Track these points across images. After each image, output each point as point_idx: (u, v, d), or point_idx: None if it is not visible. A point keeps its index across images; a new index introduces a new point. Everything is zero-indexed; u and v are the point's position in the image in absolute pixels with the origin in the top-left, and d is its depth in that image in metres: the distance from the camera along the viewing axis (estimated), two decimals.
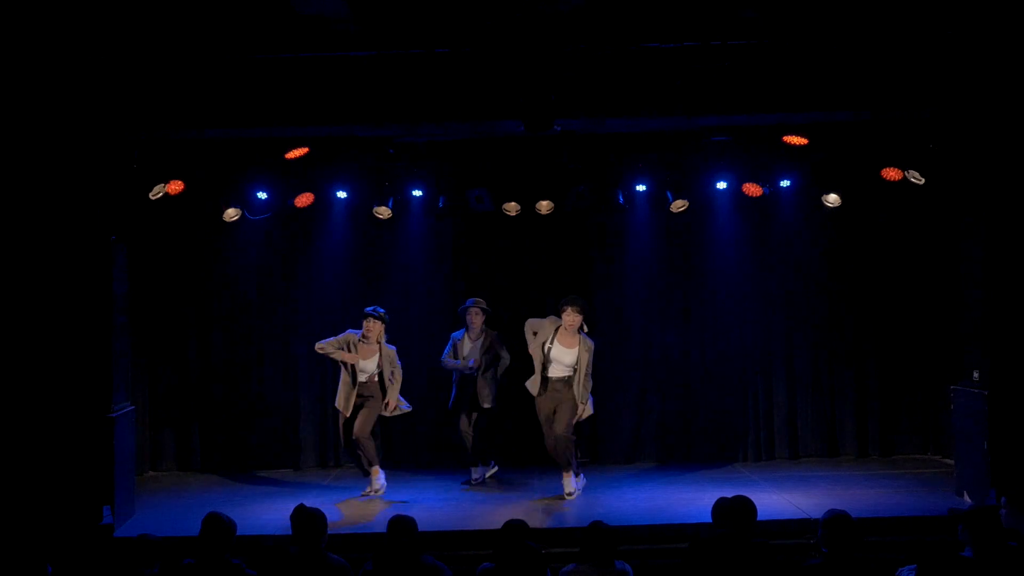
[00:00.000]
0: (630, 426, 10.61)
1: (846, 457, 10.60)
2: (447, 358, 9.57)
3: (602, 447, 10.51)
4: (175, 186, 8.88)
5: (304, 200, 9.67)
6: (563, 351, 8.79)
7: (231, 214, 9.45)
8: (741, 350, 10.69)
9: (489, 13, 7.28)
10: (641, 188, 9.85)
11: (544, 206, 9.79)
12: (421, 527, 5.54)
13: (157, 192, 8.73)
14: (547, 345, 8.83)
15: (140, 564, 5.34)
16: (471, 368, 9.40)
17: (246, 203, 9.52)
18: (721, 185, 9.70)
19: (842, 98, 8.03)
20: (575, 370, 8.78)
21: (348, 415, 8.99)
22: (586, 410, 8.84)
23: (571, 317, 8.75)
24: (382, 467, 9.11)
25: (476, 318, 9.46)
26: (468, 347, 9.52)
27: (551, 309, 9.21)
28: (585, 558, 5.46)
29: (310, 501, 5.69)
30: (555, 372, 8.83)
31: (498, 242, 10.61)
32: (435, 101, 8.02)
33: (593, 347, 8.83)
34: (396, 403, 9.07)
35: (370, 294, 10.59)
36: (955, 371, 9.01)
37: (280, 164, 9.25)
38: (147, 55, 7.67)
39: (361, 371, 9.04)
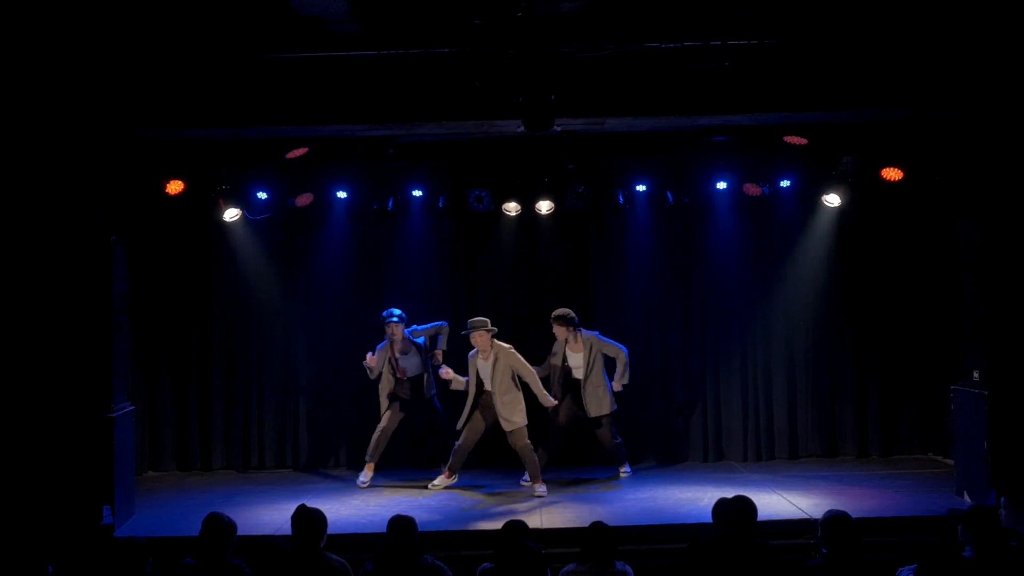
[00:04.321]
0: (630, 426, 10.60)
1: (846, 457, 10.60)
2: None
3: (602, 447, 10.48)
4: (175, 186, 8.88)
5: (304, 200, 9.68)
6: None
7: (231, 214, 9.45)
8: (741, 350, 10.69)
9: (489, 13, 7.28)
10: (641, 188, 9.87)
11: (544, 206, 9.79)
12: (421, 527, 5.55)
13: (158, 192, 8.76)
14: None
15: (131, 565, 5.32)
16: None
17: (246, 203, 9.52)
18: (721, 185, 9.71)
19: (842, 98, 8.03)
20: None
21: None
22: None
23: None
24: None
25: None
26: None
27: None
28: (585, 558, 5.46)
29: (310, 501, 5.68)
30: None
31: (498, 242, 10.61)
32: (435, 101, 8.03)
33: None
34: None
35: (370, 294, 10.60)
36: (955, 371, 9.01)
37: (280, 164, 9.26)
38: (148, 55, 7.68)
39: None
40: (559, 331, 9.42)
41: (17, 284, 7.96)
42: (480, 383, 9.11)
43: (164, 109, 7.98)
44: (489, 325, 9.05)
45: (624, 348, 9.47)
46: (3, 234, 7.99)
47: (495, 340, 9.07)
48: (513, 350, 9.07)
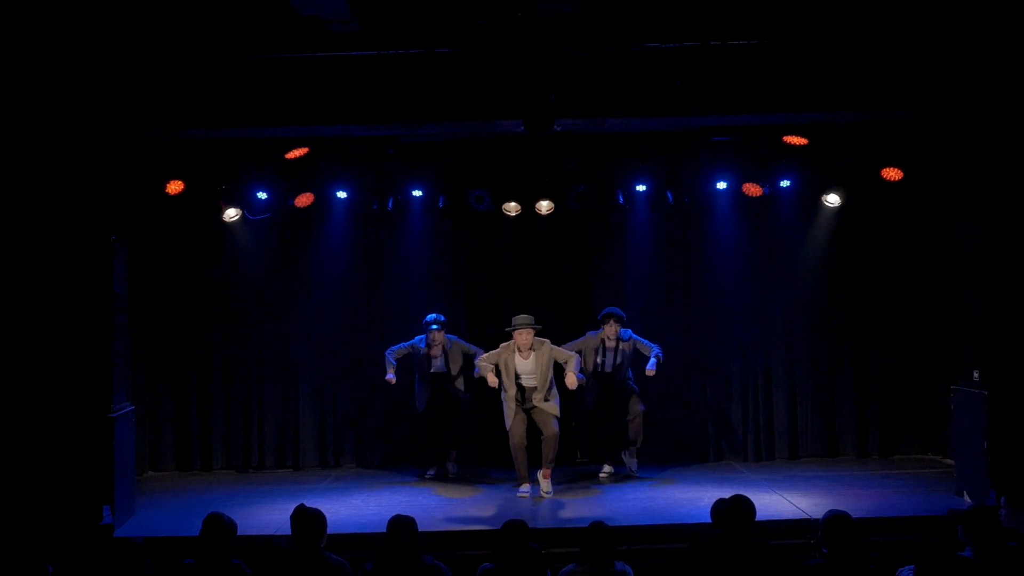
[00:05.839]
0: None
1: (846, 457, 10.60)
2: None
3: (601, 447, 10.48)
4: (175, 186, 8.89)
5: (304, 200, 9.68)
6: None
7: (231, 214, 9.45)
8: (741, 350, 10.69)
9: (489, 13, 7.28)
10: (641, 188, 9.87)
11: (544, 206, 9.79)
12: (421, 527, 5.54)
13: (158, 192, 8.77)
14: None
15: (128, 567, 5.32)
16: None
17: (246, 203, 9.52)
18: (721, 185, 9.71)
19: (842, 98, 8.03)
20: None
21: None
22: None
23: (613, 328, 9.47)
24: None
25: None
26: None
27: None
28: (585, 558, 5.46)
29: (310, 501, 5.68)
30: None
31: (499, 242, 10.61)
32: (435, 101, 8.02)
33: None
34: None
35: (370, 294, 10.61)
36: (955, 371, 9.01)
37: (280, 164, 9.26)
38: (148, 55, 7.67)
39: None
40: (616, 328, 9.46)
41: (18, 284, 7.97)
42: (516, 380, 8.97)
43: (164, 109, 7.97)
44: (534, 323, 9.01)
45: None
46: (3, 234, 8.00)
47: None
48: (548, 342, 9.06)
